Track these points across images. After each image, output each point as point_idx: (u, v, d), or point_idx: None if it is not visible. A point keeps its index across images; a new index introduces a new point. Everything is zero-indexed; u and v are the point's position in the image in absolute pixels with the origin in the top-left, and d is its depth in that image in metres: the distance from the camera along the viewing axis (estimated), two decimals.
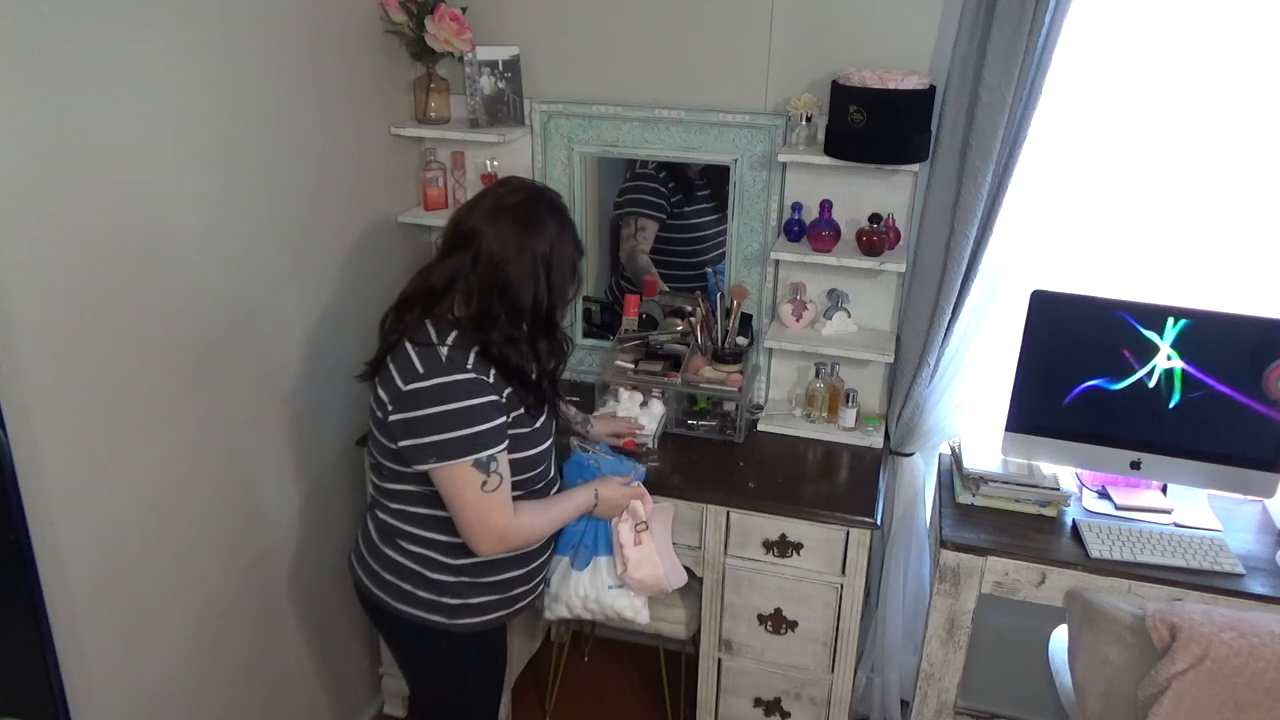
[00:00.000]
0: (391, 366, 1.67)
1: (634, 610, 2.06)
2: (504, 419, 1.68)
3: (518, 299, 1.67)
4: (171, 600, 1.87)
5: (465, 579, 1.79)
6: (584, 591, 2.02)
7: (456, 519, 1.68)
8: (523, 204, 1.69)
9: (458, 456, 1.62)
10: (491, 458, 1.64)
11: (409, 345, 1.66)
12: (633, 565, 1.99)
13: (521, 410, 1.73)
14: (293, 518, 2.22)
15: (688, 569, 2.26)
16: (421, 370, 1.63)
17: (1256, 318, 2.00)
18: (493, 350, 1.67)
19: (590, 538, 2.01)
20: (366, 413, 1.77)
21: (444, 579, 1.78)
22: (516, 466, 1.73)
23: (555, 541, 1.98)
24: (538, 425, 1.78)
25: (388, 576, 1.81)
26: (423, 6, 2.29)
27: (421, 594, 1.79)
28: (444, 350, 1.65)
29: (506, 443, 1.68)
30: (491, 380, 1.67)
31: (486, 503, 1.66)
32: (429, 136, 2.46)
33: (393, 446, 1.69)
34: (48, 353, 1.52)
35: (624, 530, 1.99)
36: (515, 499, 1.74)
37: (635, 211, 2.57)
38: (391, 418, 1.66)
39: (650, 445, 2.29)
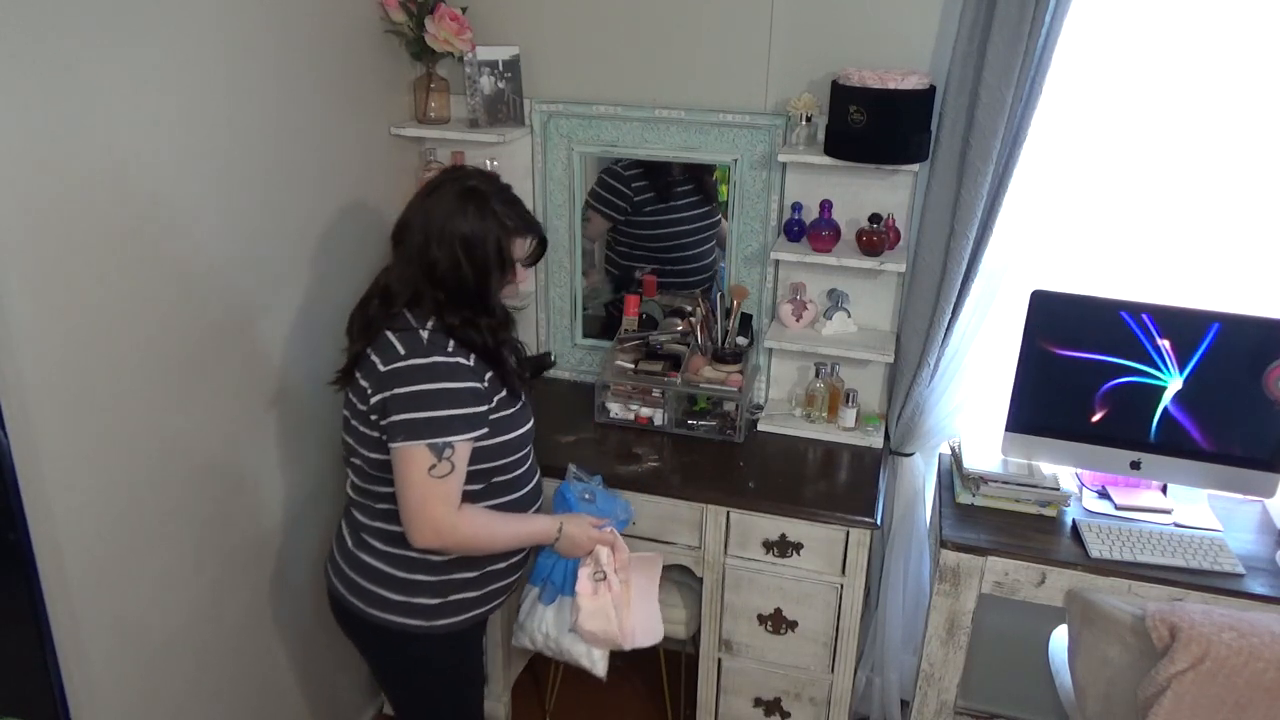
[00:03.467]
0: (373, 355, 1.69)
1: (590, 660, 1.97)
2: (481, 408, 1.69)
3: (445, 281, 1.70)
4: (171, 600, 1.87)
5: (442, 576, 1.77)
6: (546, 629, 1.96)
7: (399, 501, 1.67)
8: (439, 188, 1.73)
9: (418, 437, 1.62)
10: (449, 444, 1.63)
11: (389, 332, 1.69)
12: (584, 616, 1.88)
13: (504, 392, 1.74)
14: (293, 517, 2.22)
15: (687, 569, 2.27)
16: (402, 351, 1.66)
17: (1257, 318, 2.00)
18: (457, 333, 1.69)
19: (559, 574, 1.93)
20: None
21: (419, 578, 1.76)
22: (500, 450, 1.74)
23: (532, 562, 1.95)
24: (520, 406, 1.79)
25: (362, 582, 1.79)
26: (423, 6, 2.29)
27: (395, 598, 1.76)
28: (425, 334, 1.68)
29: (474, 434, 1.67)
30: (473, 364, 1.69)
31: (430, 489, 1.63)
32: (429, 136, 2.46)
33: (373, 435, 1.69)
34: (47, 353, 1.52)
35: (583, 575, 1.89)
36: (491, 485, 1.75)
37: (589, 203, 2.57)
38: (373, 399, 1.67)
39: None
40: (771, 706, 2.34)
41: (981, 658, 2.55)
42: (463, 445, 1.66)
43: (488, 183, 1.75)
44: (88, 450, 1.63)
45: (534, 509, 1.89)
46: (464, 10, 2.32)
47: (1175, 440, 2.10)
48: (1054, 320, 2.10)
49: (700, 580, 2.27)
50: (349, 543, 1.83)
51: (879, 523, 2.14)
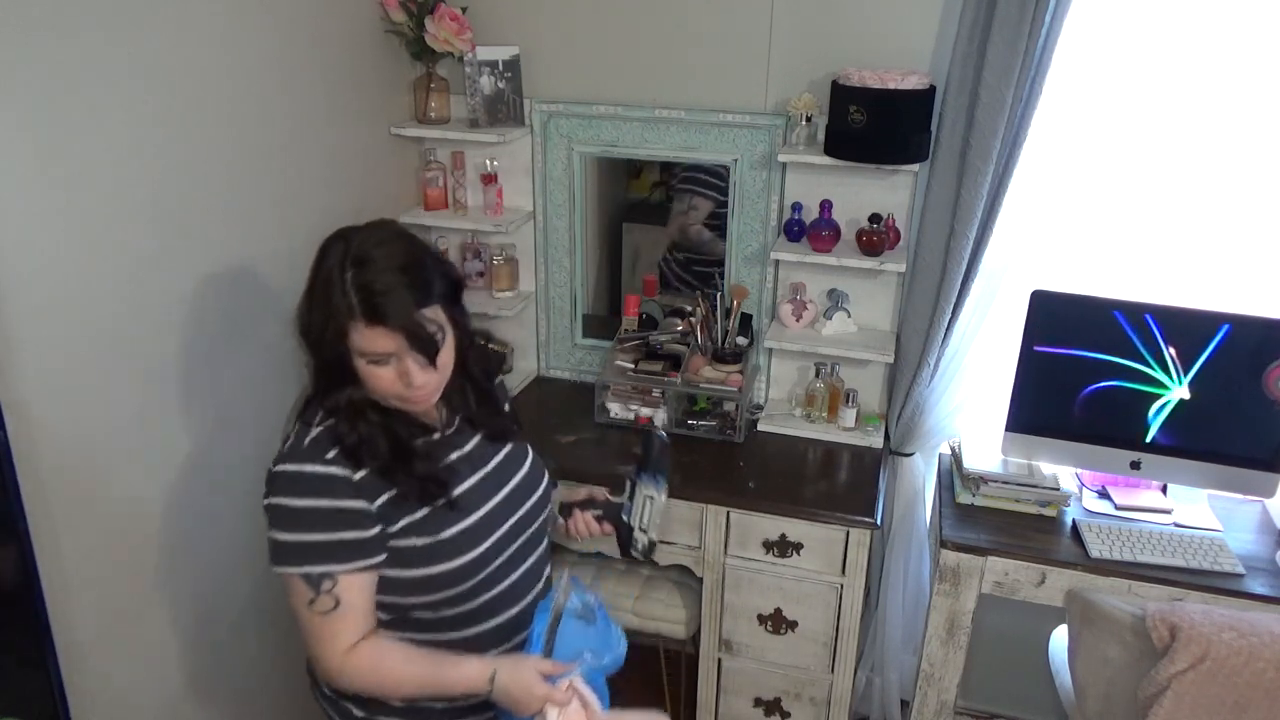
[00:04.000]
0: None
1: None
2: (368, 532, 1.33)
3: (312, 362, 1.38)
4: (172, 600, 1.87)
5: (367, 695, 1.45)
6: None
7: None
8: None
9: (287, 564, 1.33)
10: (326, 575, 1.31)
11: (298, 422, 1.40)
12: None
13: (420, 513, 1.36)
14: None
15: (687, 569, 2.26)
16: (285, 450, 1.36)
17: (1257, 318, 2.00)
18: (338, 428, 1.35)
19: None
20: None
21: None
22: (415, 586, 1.38)
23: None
24: (446, 535, 1.37)
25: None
26: (423, 6, 2.29)
27: (326, 690, 1.50)
28: (315, 430, 1.35)
29: (361, 564, 1.33)
30: (358, 479, 1.32)
31: (314, 626, 1.34)
32: (429, 136, 2.46)
33: None
34: (48, 352, 1.52)
35: None
36: (417, 620, 1.41)
37: (687, 189, 2.56)
38: (263, 501, 1.36)
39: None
40: (771, 706, 2.34)
41: (981, 658, 2.55)
42: (349, 578, 1.33)
43: (362, 243, 1.30)
44: (88, 449, 1.63)
45: (500, 650, 1.48)
46: (464, 10, 2.32)
47: (1175, 440, 2.10)
48: (1054, 320, 2.10)
49: (700, 580, 2.27)
50: None
51: (879, 523, 2.14)
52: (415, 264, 1.32)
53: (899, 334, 2.37)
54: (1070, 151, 2.09)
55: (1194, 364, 2.04)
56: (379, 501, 1.34)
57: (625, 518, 1.63)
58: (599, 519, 1.65)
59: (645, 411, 2.40)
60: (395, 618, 1.42)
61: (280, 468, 1.34)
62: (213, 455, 1.93)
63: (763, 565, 2.20)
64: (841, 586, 2.16)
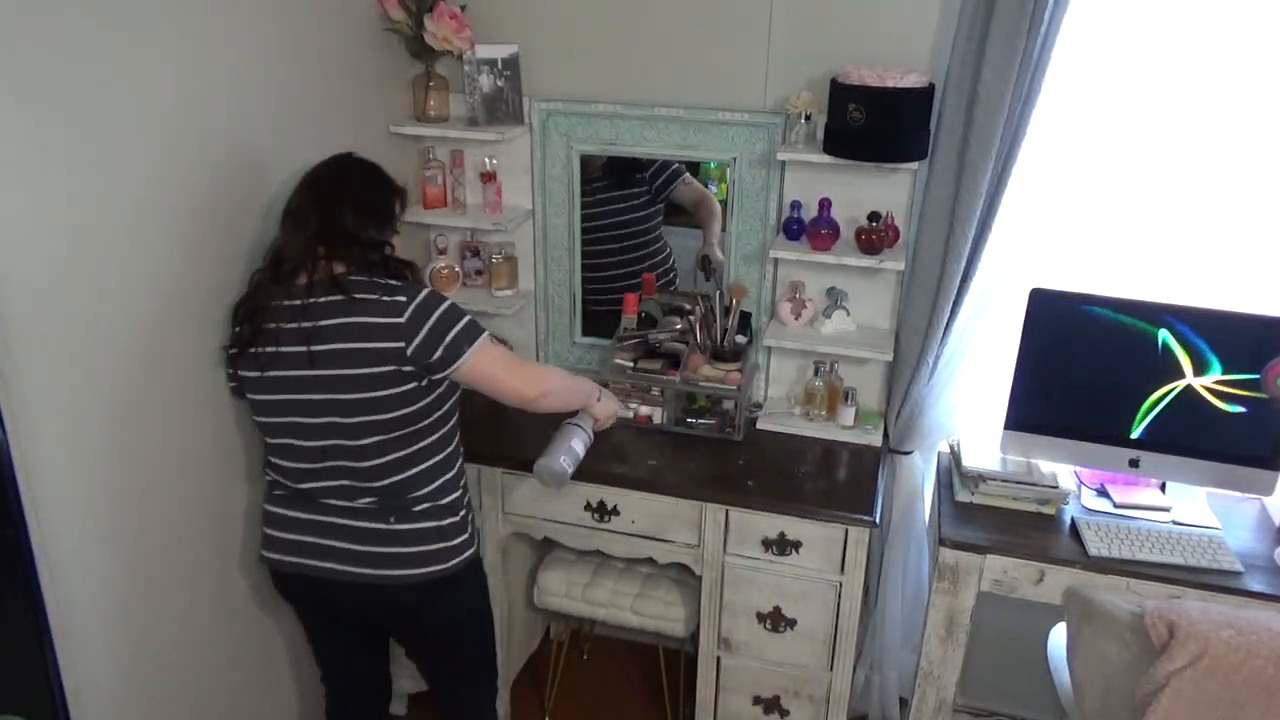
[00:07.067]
0: None
1: None
2: None
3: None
4: (170, 597, 1.87)
5: None
6: None
7: None
8: None
9: (478, 333, 1.83)
10: (490, 333, 1.89)
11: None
12: None
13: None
14: None
15: (686, 568, 2.27)
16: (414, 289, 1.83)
17: (1257, 316, 2.00)
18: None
19: None
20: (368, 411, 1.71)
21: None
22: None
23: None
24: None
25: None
26: (422, 4, 2.29)
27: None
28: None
29: None
30: None
31: (512, 368, 1.92)
32: (428, 135, 2.46)
33: None
34: (45, 351, 1.52)
35: None
36: None
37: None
38: None
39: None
40: (770, 704, 2.34)
41: (980, 656, 2.55)
42: None
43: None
44: (87, 447, 1.63)
45: None
46: (463, 8, 2.32)
47: (1174, 438, 2.10)
48: (1053, 318, 2.10)
49: (699, 579, 2.27)
50: None
51: (877, 521, 2.14)
52: None
53: (898, 332, 2.37)
54: (1070, 149, 2.09)
55: (1191, 361, 2.04)
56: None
57: None
58: None
59: (644, 410, 2.40)
60: None
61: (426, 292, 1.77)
62: (215, 453, 1.94)
63: (761, 563, 2.20)
64: (840, 585, 2.16)
